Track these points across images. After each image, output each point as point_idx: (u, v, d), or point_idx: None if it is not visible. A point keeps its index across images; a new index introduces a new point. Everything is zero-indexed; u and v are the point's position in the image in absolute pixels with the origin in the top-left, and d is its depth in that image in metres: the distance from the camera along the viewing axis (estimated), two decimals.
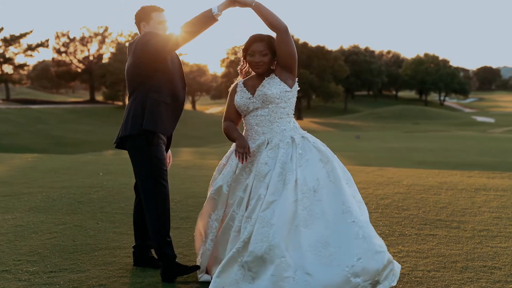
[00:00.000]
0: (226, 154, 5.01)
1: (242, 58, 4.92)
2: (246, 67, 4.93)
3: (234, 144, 4.89)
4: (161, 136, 4.96)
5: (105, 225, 6.71)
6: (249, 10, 4.75)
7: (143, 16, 5.01)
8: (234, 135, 4.81)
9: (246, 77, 4.97)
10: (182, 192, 8.52)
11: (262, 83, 4.79)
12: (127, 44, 59.40)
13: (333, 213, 4.57)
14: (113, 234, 6.33)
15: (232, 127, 4.90)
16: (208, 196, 4.90)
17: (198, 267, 4.87)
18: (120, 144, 5.05)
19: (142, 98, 4.87)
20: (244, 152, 4.63)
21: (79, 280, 4.85)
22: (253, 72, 4.89)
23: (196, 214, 7.18)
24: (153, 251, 5.25)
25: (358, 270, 4.39)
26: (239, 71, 5.02)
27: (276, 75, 4.80)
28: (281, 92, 4.75)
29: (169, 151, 5.30)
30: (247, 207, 4.63)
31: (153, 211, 4.92)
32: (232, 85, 5.01)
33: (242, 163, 4.66)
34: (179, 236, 6.21)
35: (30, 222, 6.85)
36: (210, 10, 4.65)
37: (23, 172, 10.48)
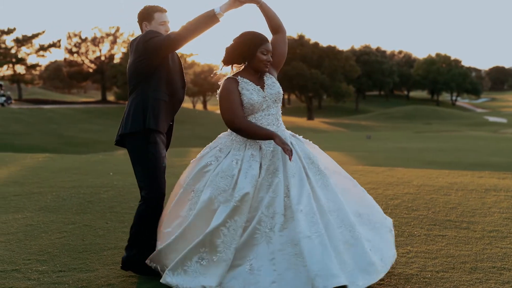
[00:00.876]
0: (230, 161, 4.71)
1: (245, 54, 4.77)
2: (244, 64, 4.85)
3: (229, 147, 4.78)
4: (161, 135, 4.97)
5: (114, 225, 6.73)
6: (256, 12, 4.82)
7: (145, 16, 5.04)
8: (269, 132, 4.65)
9: (232, 74, 4.88)
10: None
11: (266, 82, 4.83)
12: None
13: (347, 189, 4.94)
14: (122, 233, 6.34)
15: (258, 124, 4.76)
16: (232, 205, 4.54)
17: (152, 271, 4.92)
18: (120, 141, 5.07)
19: (142, 97, 4.89)
20: (291, 148, 4.60)
21: (88, 280, 4.87)
22: (238, 69, 4.86)
23: None
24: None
25: (389, 223, 5.08)
26: (233, 67, 4.88)
27: (271, 75, 4.88)
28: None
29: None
30: (285, 205, 4.56)
31: (144, 216, 4.95)
32: (228, 81, 4.79)
33: (291, 160, 4.59)
34: None
35: (40, 221, 6.88)
36: (213, 10, 4.69)
37: (34, 172, 10.53)
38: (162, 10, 5.04)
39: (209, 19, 4.69)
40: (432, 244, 5.81)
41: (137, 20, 5.12)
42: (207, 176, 4.74)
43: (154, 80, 4.90)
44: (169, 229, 4.82)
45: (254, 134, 4.68)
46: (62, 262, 5.35)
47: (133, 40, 5.01)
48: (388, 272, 4.93)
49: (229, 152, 4.79)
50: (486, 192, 8.37)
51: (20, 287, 4.71)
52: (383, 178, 9.76)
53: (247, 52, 4.75)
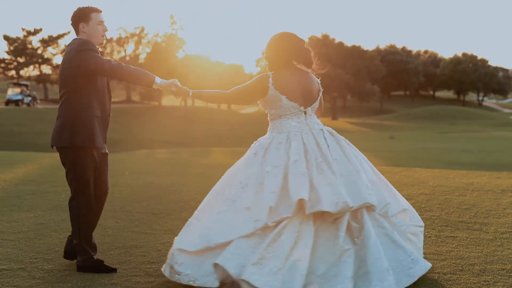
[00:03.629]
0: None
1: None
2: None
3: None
4: (94, 150, 5.07)
5: (124, 224, 6.74)
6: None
7: (82, 17, 5.04)
8: None
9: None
10: (203, 192, 8.41)
11: None
12: (163, 44, 58.92)
13: None
14: (131, 233, 6.35)
15: None
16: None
17: (115, 270, 5.06)
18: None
19: (74, 111, 4.96)
20: None
21: (92, 279, 4.88)
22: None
23: None
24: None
25: None
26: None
27: None
28: None
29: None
30: None
31: (75, 211, 5.09)
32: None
33: None
34: None
35: (51, 220, 6.91)
36: (154, 78, 4.94)
37: (50, 171, 10.61)
38: (98, 10, 5.09)
39: (146, 82, 4.97)
40: (442, 246, 5.73)
41: (71, 22, 5.10)
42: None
43: (86, 93, 4.96)
44: None
45: None
46: (68, 261, 5.35)
47: (68, 45, 5.06)
48: None
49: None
50: (502, 193, 8.24)
51: (24, 286, 4.72)
52: (399, 178, 9.65)
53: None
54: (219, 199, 4.81)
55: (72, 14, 5.07)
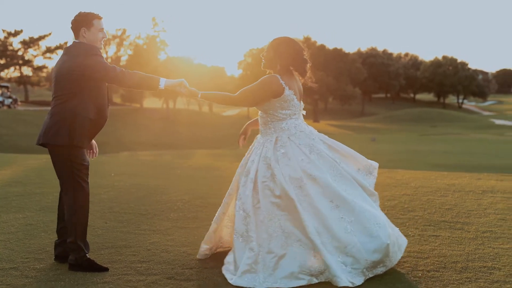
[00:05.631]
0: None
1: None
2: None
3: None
4: (82, 149, 5.24)
5: (113, 225, 6.82)
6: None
7: (84, 22, 5.16)
8: None
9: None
10: (190, 193, 8.61)
11: None
12: (145, 46, 58.45)
13: None
14: (120, 233, 6.43)
15: None
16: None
17: (106, 269, 5.15)
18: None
19: (71, 112, 5.07)
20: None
21: (85, 278, 4.97)
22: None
23: (203, 215, 7.28)
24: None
25: None
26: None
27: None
28: None
29: (94, 141, 5.56)
30: None
31: (72, 207, 5.21)
32: None
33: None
34: (184, 235, 6.30)
35: (40, 221, 6.97)
36: (158, 80, 5.12)
37: (36, 173, 10.64)
38: (100, 17, 5.22)
39: (151, 86, 5.16)
40: (425, 244, 5.87)
41: (71, 26, 5.21)
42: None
43: (86, 96, 5.09)
44: None
45: None
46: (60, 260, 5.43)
47: (71, 48, 5.15)
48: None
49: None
50: (483, 193, 8.42)
51: (17, 285, 4.80)
52: (382, 179, 9.80)
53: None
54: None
55: (73, 18, 5.16)
